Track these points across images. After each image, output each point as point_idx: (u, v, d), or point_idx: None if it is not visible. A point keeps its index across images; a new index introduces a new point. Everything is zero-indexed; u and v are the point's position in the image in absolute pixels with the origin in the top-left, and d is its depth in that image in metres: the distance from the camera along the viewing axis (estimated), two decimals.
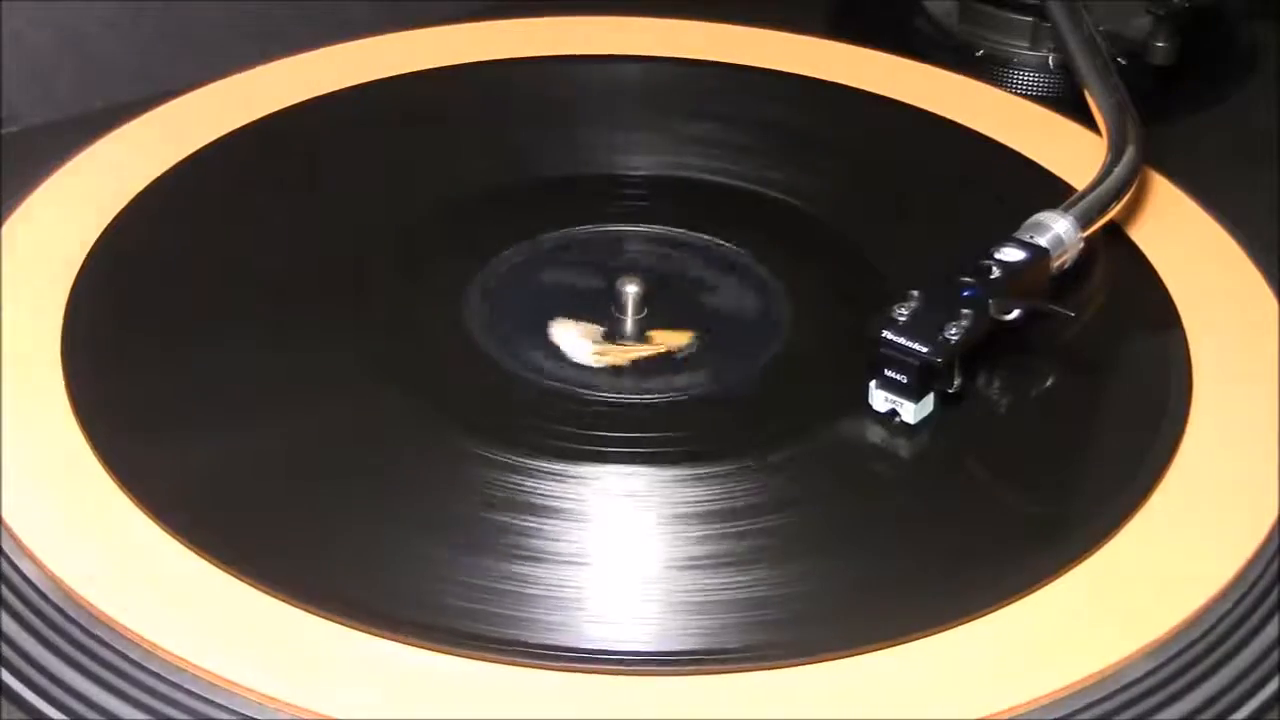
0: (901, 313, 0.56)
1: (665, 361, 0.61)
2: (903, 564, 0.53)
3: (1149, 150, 0.67)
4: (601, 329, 0.62)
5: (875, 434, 0.57)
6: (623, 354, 0.61)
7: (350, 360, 0.60)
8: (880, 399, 0.57)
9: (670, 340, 0.62)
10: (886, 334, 0.56)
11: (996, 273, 0.58)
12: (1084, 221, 0.62)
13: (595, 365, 0.60)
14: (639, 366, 0.60)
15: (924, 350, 0.55)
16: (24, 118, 0.80)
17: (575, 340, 0.61)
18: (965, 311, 0.56)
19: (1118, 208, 0.64)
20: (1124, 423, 0.58)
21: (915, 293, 0.57)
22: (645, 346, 0.61)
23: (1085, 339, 0.62)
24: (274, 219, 0.67)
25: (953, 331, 0.56)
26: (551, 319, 0.62)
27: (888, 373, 0.56)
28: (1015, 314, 0.56)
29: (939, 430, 0.57)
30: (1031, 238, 0.60)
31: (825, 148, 0.73)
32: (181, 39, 0.85)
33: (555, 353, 0.61)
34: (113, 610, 0.49)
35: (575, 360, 0.60)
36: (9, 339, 0.59)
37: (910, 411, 0.56)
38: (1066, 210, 0.62)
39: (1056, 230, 0.61)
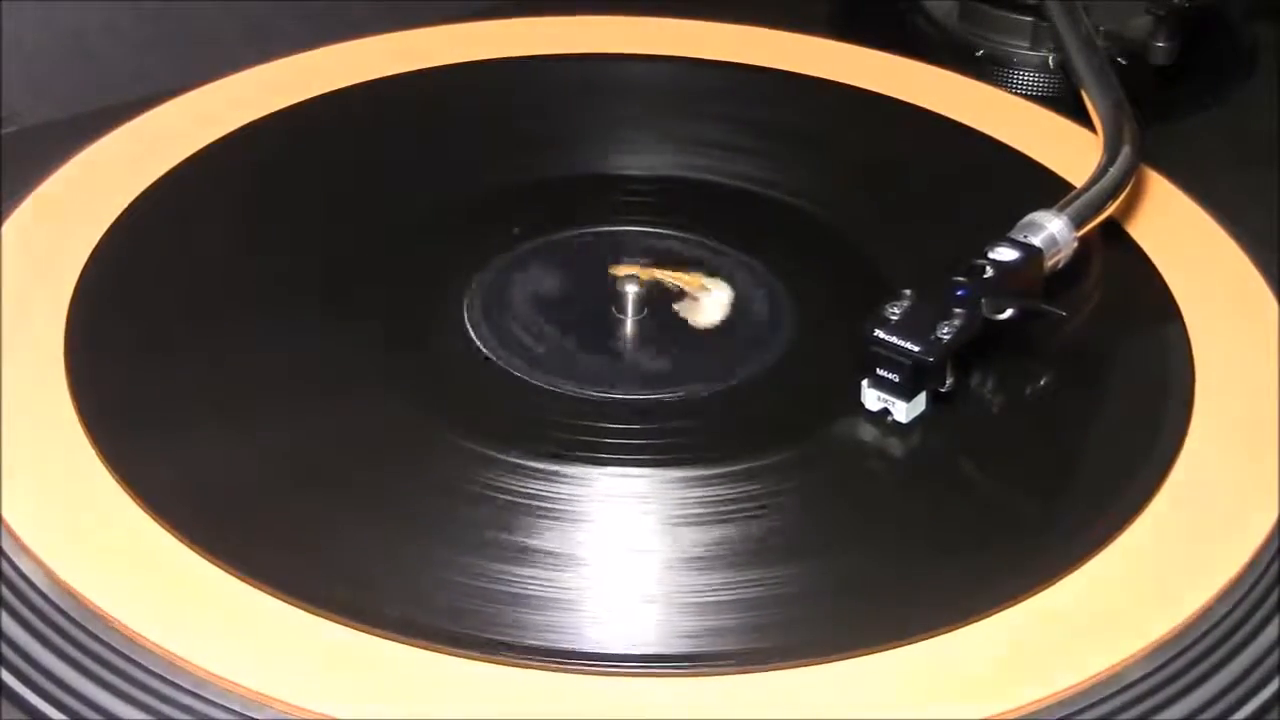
0: (894, 312, 0.56)
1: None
2: (902, 564, 0.53)
3: (1146, 150, 0.67)
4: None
5: (872, 434, 0.57)
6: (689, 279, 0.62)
7: (350, 360, 0.60)
8: (872, 398, 0.57)
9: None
10: (879, 333, 0.56)
11: (990, 272, 0.58)
12: (1078, 221, 0.61)
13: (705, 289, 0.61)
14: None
15: (916, 349, 0.55)
16: (24, 118, 0.80)
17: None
18: (958, 311, 0.56)
19: (1113, 207, 0.64)
20: (1124, 423, 0.58)
21: (908, 292, 0.57)
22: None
23: (1086, 338, 0.62)
24: (274, 219, 0.67)
25: (945, 331, 0.56)
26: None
27: (880, 371, 0.56)
28: (1008, 313, 0.56)
29: (942, 431, 0.57)
30: (1025, 237, 0.60)
31: (825, 148, 0.73)
32: (181, 39, 0.85)
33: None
34: (112, 610, 0.49)
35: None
36: (9, 339, 0.59)
37: (902, 410, 0.56)
38: (1061, 210, 0.62)
39: (1050, 230, 0.61)
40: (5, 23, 0.80)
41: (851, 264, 0.66)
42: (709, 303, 0.61)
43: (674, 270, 0.63)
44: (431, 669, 0.48)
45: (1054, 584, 0.51)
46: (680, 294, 0.62)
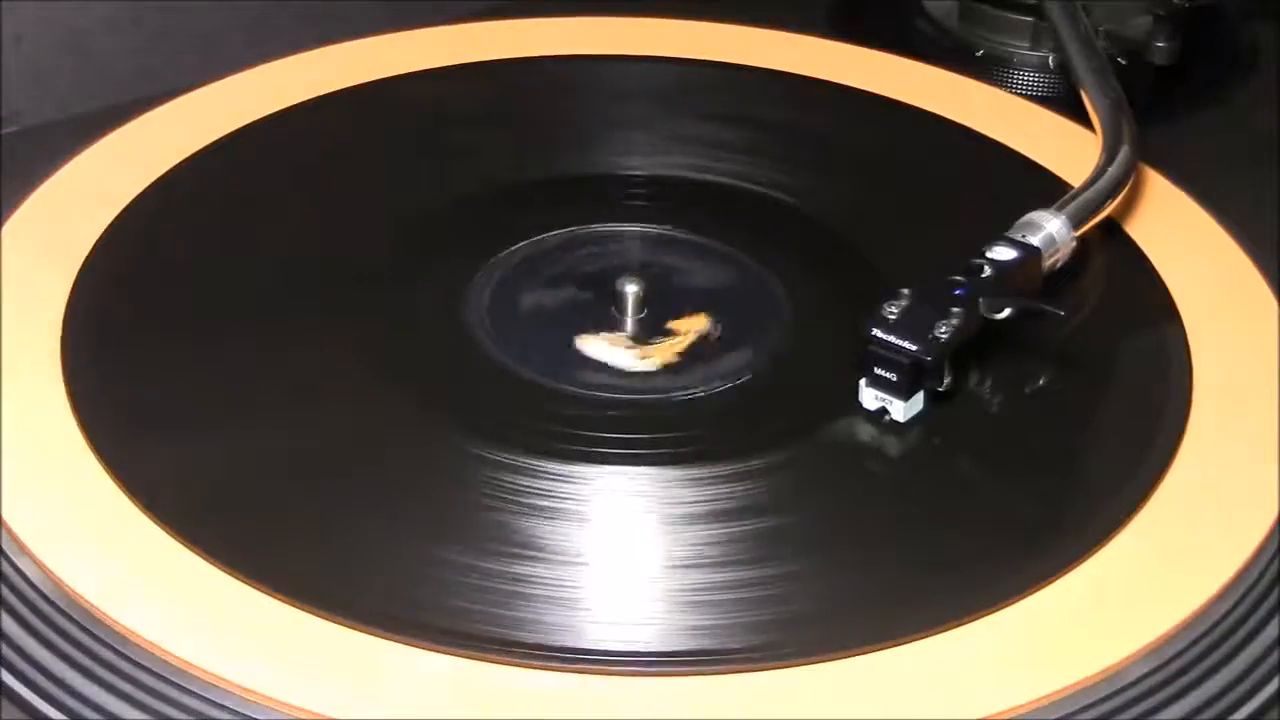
0: (892, 311, 0.57)
1: (691, 354, 0.61)
2: (902, 564, 0.53)
3: (1146, 150, 0.67)
4: (624, 334, 0.62)
5: (869, 433, 0.57)
6: (667, 349, 0.61)
7: (350, 360, 0.60)
8: (870, 397, 0.57)
9: (692, 325, 0.62)
10: (877, 332, 0.56)
11: (988, 271, 0.58)
12: (1076, 221, 0.62)
13: (648, 369, 0.60)
14: (687, 356, 0.60)
15: (914, 349, 0.55)
16: (24, 118, 0.80)
17: (609, 351, 0.61)
18: (956, 310, 0.56)
19: (1112, 207, 0.64)
20: (1123, 422, 0.58)
21: (906, 291, 0.57)
22: (677, 338, 0.61)
23: (1086, 338, 0.62)
24: (274, 218, 0.67)
25: (943, 330, 0.56)
26: (568, 333, 0.62)
27: (878, 371, 0.56)
28: (1006, 313, 0.56)
29: (940, 431, 0.57)
30: (1023, 237, 0.60)
31: (825, 148, 0.73)
32: (181, 39, 0.85)
33: (599, 367, 0.60)
34: (112, 610, 0.49)
35: (623, 368, 0.60)
36: (9, 339, 0.59)
37: (900, 410, 0.56)
38: (1059, 209, 0.62)
39: (1049, 229, 0.61)
40: (5, 22, 0.80)
41: (850, 263, 0.66)
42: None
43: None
44: (431, 668, 0.48)
45: (1053, 583, 0.51)
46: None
